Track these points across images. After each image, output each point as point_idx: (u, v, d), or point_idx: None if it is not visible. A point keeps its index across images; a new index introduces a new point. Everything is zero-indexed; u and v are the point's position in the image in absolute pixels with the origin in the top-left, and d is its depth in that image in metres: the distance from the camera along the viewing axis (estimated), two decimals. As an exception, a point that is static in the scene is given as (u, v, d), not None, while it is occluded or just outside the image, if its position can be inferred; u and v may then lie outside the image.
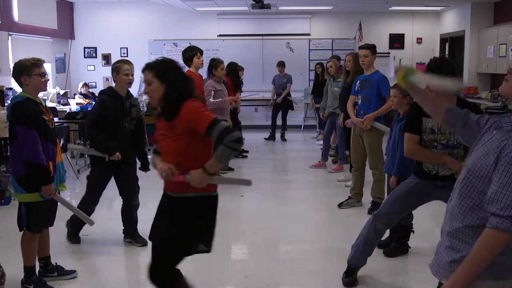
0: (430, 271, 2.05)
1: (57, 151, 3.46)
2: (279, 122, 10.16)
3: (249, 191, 6.23)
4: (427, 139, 3.32)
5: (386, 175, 4.49)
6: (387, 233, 4.25)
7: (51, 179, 3.34)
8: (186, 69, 5.58)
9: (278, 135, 10.15)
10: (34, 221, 3.42)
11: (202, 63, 5.51)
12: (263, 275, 3.75)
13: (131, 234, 4.36)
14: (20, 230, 3.48)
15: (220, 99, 6.34)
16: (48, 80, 3.47)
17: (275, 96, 10.08)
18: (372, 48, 5.19)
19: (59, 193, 3.56)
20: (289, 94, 10.05)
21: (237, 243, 4.56)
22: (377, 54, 5.29)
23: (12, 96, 5.87)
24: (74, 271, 3.75)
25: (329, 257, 4.13)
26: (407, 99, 4.05)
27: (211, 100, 6.24)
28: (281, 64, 9.94)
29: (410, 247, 4.14)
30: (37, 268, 3.62)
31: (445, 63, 3.28)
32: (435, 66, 3.18)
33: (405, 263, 4.01)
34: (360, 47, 5.32)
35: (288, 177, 7.28)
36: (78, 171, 7.15)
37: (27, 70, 3.29)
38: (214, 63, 6.44)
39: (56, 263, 3.72)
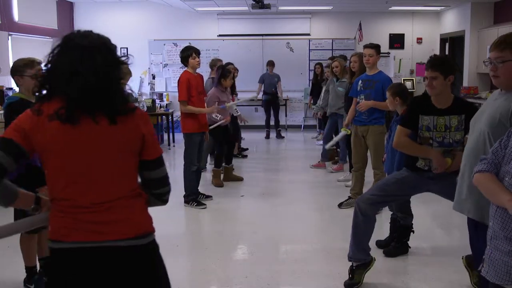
0: (485, 276, 2.01)
1: None
2: (272, 122, 10.28)
3: (249, 191, 6.25)
4: (423, 136, 3.33)
5: (386, 174, 4.49)
6: (387, 233, 4.28)
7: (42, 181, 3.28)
8: (184, 69, 5.64)
9: (273, 134, 10.25)
10: None
11: (199, 63, 5.49)
12: (263, 275, 3.75)
13: None
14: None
15: (222, 120, 6.16)
16: None
17: (261, 94, 10.10)
18: (377, 47, 5.16)
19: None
20: (277, 93, 10.17)
21: (237, 243, 4.56)
22: (380, 54, 5.23)
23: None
24: None
25: (329, 257, 4.12)
26: (396, 100, 4.09)
27: (215, 117, 6.06)
28: (271, 64, 10.15)
29: (410, 247, 4.14)
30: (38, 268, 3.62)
31: (447, 61, 3.34)
32: (438, 64, 3.20)
33: (405, 263, 4.01)
34: (365, 46, 5.24)
35: (288, 177, 7.27)
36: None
37: (19, 71, 3.26)
38: (225, 73, 6.33)
39: (56, 263, 3.71)
